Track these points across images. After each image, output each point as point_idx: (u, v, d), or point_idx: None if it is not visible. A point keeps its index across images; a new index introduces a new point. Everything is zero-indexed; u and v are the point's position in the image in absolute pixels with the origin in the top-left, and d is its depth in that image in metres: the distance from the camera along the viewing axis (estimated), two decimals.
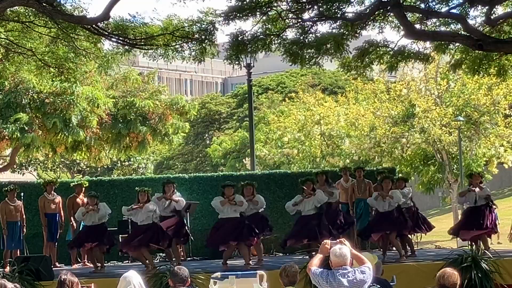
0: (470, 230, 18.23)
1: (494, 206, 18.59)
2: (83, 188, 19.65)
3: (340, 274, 8.10)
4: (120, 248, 18.20)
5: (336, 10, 17.02)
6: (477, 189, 18.27)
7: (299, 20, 17.44)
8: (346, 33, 17.13)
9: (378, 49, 18.16)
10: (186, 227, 18.83)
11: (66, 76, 18.63)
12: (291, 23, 17.56)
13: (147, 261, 17.33)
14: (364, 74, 19.05)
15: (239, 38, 17.20)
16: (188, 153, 63.29)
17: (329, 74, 59.76)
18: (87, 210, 17.63)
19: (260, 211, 17.95)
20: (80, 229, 18.74)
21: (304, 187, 18.06)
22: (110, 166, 51.80)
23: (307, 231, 17.73)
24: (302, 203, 17.94)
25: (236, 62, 17.72)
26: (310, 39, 17.49)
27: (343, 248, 8.20)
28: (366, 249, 18.19)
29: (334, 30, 17.29)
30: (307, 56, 17.68)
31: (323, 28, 17.79)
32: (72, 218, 19.47)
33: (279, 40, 17.61)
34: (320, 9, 16.99)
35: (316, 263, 8.34)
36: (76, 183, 20.28)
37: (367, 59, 18.21)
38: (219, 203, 17.36)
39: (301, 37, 17.41)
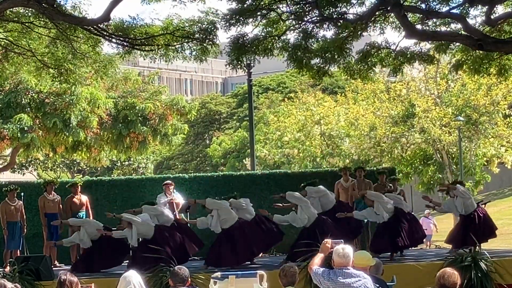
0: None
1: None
2: (79, 187, 19.58)
3: (342, 274, 8.10)
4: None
5: (337, 15, 16.99)
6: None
7: (300, 22, 17.40)
8: (348, 35, 17.07)
9: (380, 51, 18.13)
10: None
11: (65, 77, 18.60)
12: (292, 25, 17.52)
13: None
14: (368, 77, 18.99)
15: (239, 41, 17.17)
16: (188, 153, 63.32)
17: None
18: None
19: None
20: None
21: None
22: (110, 166, 51.83)
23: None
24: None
25: (238, 67, 17.72)
26: (312, 44, 17.44)
27: (347, 248, 8.21)
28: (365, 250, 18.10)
29: (336, 36, 17.25)
30: (315, 67, 17.63)
31: (325, 33, 17.76)
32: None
33: (281, 44, 17.56)
34: (324, 14, 16.96)
35: (318, 263, 8.35)
36: (70, 183, 20.18)
37: (369, 62, 18.17)
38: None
39: (303, 41, 17.36)
